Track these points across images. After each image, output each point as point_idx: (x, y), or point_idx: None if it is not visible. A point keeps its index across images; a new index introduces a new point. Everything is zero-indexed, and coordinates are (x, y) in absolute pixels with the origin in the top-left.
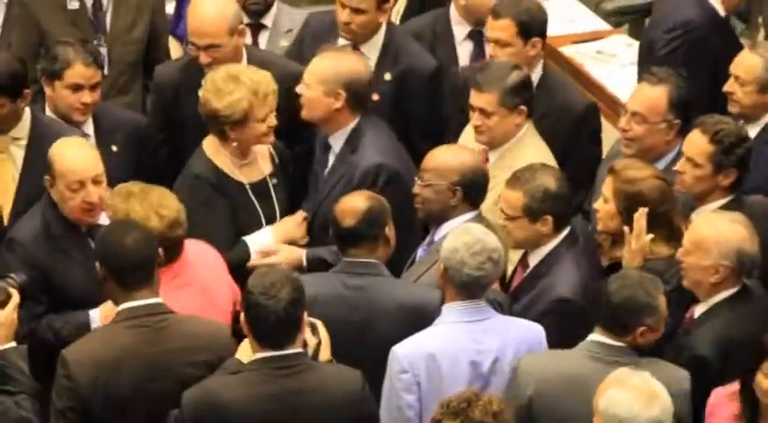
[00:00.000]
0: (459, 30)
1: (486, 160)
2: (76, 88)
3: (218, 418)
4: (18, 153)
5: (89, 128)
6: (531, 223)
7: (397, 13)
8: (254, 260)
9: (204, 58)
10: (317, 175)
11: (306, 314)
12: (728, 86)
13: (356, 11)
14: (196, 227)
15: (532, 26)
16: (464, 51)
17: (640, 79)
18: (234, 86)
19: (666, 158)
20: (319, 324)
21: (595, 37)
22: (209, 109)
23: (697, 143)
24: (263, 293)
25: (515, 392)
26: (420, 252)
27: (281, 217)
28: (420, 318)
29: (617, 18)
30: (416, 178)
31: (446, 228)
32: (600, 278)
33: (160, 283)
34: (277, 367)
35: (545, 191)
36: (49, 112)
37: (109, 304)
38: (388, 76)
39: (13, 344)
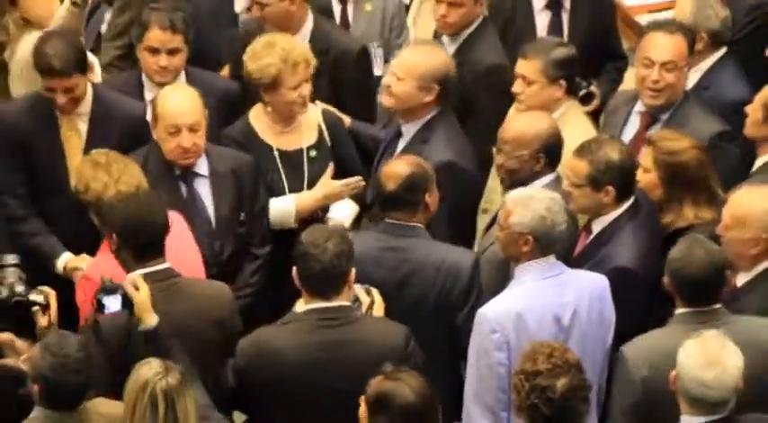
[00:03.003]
0: (538, 0)
1: None
2: (153, 51)
3: (268, 364)
4: (82, 127)
5: None
6: (593, 192)
7: None
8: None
9: (256, 11)
10: (383, 158)
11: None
12: None
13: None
14: None
15: None
16: (542, 20)
17: (646, 31)
18: (267, 52)
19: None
20: (375, 290)
21: (670, 7)
22: (246, 71)
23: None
24: (312, 243)
25: (626, 377)
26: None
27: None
28: (455, 277)
29: None
30: (495, 150)
31: None
32: (660, 249)
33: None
34: (323, 318)
35: (608, 162)
36: (143, 73)
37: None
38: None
39: None
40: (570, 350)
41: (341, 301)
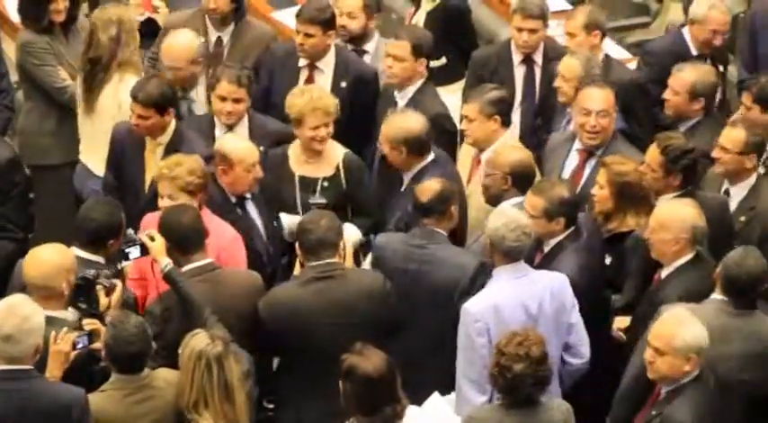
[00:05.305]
0: (517, 56)
1: (479, 161)
2: (222, 99)
3: (282, 311)
4: (160, 152)
5: (244, 131)
6: (547, 222)
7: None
8: None
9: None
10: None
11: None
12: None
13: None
14: None
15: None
16: (519, 72)
17: (580, 88)
18: (299, 96)
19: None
20: (348, 243)
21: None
22: (286, 104)
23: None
24: (309, 221)
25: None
26: None
27: None
28: (462, 273)
29: (635, 49)
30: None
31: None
32: (600, 262)
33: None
34: (320, 271)
35: (560, 199)
36: (215, 116)
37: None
38: (343, 84)
39: None
40: (539, 344)
41: (331, 259)
